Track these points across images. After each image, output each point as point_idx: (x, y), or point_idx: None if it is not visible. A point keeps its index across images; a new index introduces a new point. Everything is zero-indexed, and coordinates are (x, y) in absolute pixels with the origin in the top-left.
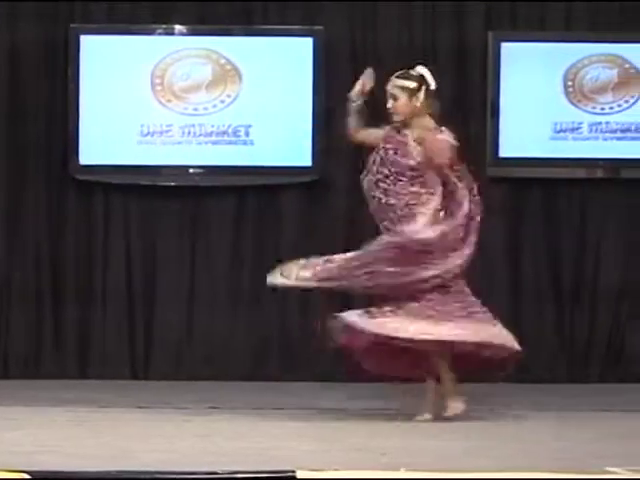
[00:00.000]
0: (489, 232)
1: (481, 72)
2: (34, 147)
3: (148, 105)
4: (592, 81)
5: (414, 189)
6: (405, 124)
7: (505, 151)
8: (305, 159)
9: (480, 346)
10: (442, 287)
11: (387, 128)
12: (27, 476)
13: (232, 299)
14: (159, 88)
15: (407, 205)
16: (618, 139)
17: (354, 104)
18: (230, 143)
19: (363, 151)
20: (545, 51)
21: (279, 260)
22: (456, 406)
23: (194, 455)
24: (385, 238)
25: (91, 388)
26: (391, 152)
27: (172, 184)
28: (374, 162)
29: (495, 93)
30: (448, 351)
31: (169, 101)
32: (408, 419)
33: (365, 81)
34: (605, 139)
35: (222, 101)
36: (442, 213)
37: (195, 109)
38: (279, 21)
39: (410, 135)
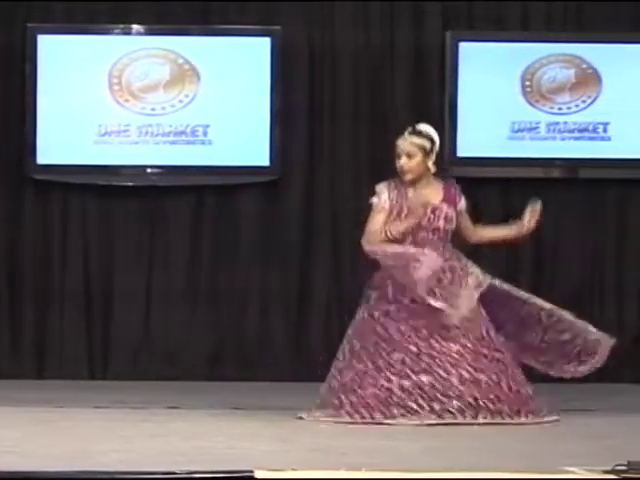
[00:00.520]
0: None
1: (439, 72)
2: None
3: (106, 105)
4: (550, 81)
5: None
6: (412, 182)
7: (463, 151)
8: (263, 159)
9: None
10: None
11: (392, 188)
12: None
13: (190, 299)
14: (117, 88)
15: None
16: (575, 139)
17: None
18: (188, 143)
19: (320, 151)
20: (503, 51)
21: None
22: None
23: (152, 455)
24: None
25: (49, 388)
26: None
27: (130, 184)
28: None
29: (453, 93)
30: None
31: (127, 101)
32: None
33: None
34: (563, 139)
35: (180, 101)
36: None
37: (153, 109)
38: (237, 21)
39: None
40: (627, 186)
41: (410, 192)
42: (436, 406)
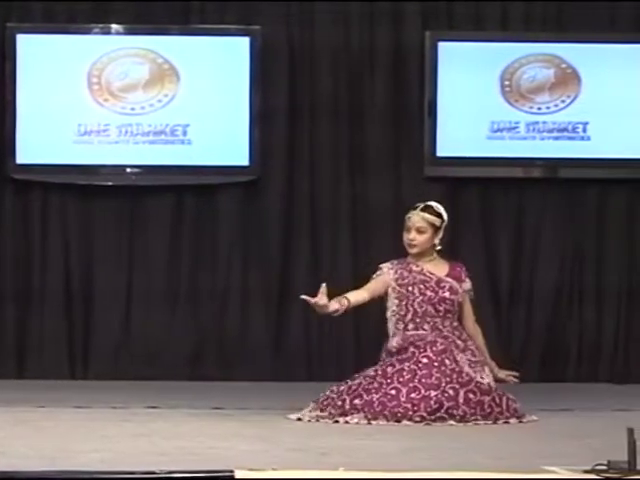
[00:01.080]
0: None
1: (418, 72)
2: None
3: (85, 104)
4: (529, 81)
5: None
6: (416, 256)
7: (442, 150)
8: (242, 159)
9: None
10: None
11: (395, 266)
12: None
13: (170, 298)
14: (96, 87)
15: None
16: (555, 139)
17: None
18: (167, 143)
19: (300, 151)
20: (482, 51)
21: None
22: None
23: (132, 455)
24: None
25: (29, 388)
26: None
27: (109, 184)
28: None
29: (432, 93)
30: None
31: (106, 100)
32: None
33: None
34: (542, 139)
35: (159, 100)
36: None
37: (132, 108)
38: (216, 20)
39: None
40: (607, 186)
41: (414, 266)
42: (438, 422)
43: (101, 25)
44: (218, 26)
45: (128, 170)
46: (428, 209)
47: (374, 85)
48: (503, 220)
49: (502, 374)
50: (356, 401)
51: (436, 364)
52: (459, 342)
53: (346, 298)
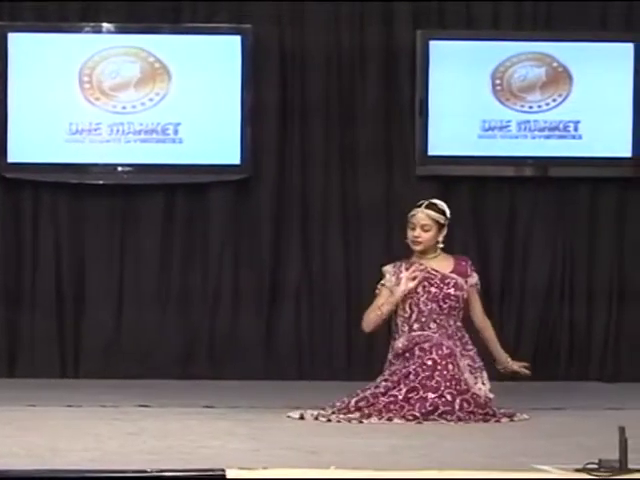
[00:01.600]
0: None
1: (410, 70)
2: None
3: (76, 103)
4: (520, 79)
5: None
6: (420, 254)
7: (434, 149)
8: (234, 157)
9: None
10: None
11: (398, 269)
12: None
13: (161, 297)
14: (87, 86)
15: None
16: (546, 137)
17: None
18: (159, 141)
19: (291, 150)
20: (473, 49)
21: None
22: None
23: (123, 454)
24: None
25: (20, 387)
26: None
27: (100, 182)
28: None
29: (424, 91)
30: None
31: (97, 99)
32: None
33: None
34: (533, 137)
35: (151, 99)
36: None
37: (124, 107)
38: (207, 19)
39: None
40: (598, 184)
41: (417, 264)
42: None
43: (92, 24)
44: (209, 25)
45: (119, 169)
46: (432, 206)
47: (365, 84)
48: (494, 219)
49: (515, 366)
50: (361, 403)
51: (439, 367)
52: (459, 344)
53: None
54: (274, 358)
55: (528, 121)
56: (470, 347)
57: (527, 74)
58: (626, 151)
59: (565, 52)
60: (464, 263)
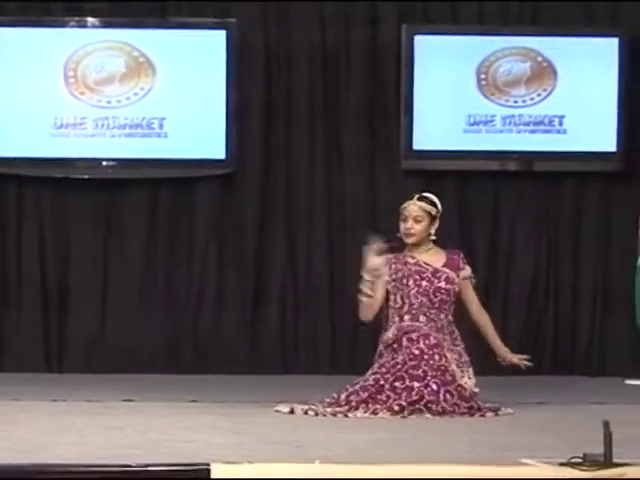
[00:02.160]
0: None
1: (395, 65)
2: None
3: (61, 98)
4: (505, 74)
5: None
6: (413, 246)
7: (419, 144)
8: (219, 152)
9: None
10: None
11: (391, 262)
12: None
13: (146, 292)
14: (72, 80)
15: None
16: (531, 132)
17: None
18: (144, 136)
19: (276, 144)
20: (458, 44)
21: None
22: None
23: (108, 448)
24: None
25: (5, 381)
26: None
27: (85, 177)
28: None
29: (409, 86)
30: None
31: (82, 94)
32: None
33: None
34: (518, 132)
35: (136, 94)
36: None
37: (109, 102)
38: (192, 14)
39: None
40: (582, 179)
41: (409, 258)
42: (414, 414)
43: (77, 18)
44: (194, 19)
45: (104, 163)
46: (424, 199)
47: (350, 79)
48: (479, 213)
49: (515, 358)
50: (352, 397)
51: (426, 357)
52: (449, 339)
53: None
54: (258, 353)
55: (513, 116)
56: (459, 342)
57: (512, 69)
58: (611, 145)
59: (550, 47)
60: (456, 257)
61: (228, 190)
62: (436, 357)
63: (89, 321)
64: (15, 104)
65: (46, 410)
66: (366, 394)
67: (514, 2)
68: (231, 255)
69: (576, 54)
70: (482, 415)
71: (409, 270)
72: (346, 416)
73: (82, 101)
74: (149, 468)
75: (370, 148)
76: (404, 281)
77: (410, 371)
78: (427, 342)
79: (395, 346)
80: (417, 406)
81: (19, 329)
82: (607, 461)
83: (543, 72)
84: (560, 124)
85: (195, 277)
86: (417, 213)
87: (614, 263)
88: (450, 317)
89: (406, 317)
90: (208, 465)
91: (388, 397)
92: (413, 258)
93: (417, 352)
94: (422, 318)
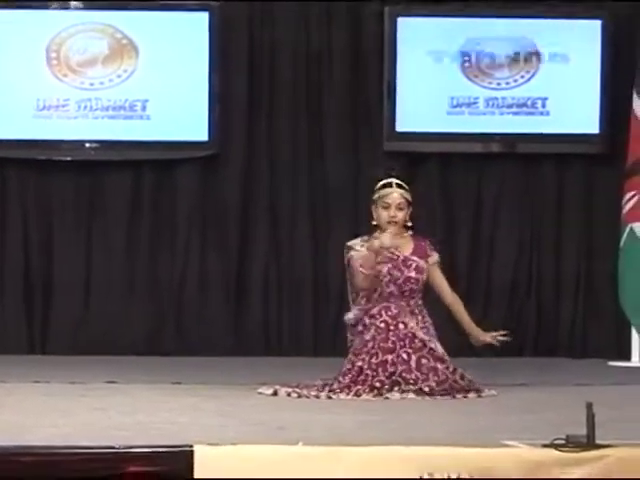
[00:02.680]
0: None
1: (378, 47)
2: None
3: (44, 79)
4: (489, 56)
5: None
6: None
7: (402, 125)
8: (201, 134)
9: None
10: None
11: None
12: None
13: (129, 274)
14: (55, 62)
15: None
16: (514, 114)
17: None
18: (127, 118)
19: (259, 126)
20: (442, 26)
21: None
22: None
23: (91, 430)
24: None
25: None
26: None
27: (68, 159)
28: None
29: (391, 68)
30: None
31: (65, 75)
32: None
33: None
34: (501, 114)
35: (119, 76)
36: None
37: (91, 84)
38: None
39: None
40: (565, 161)
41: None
42: (395, 388)
43: (60, 1)
44: (177, 2)
45: (87, 145)
46: (401, 186)
47: (333, 60)
48: (462, 195)
49: (488, 337)
50: (334, 386)
51: (392, 327)
52: (419, 317)
53: None
54: (241, 335)
55: (496, 98)
56: (427, 319)
57: (494, 51)
58: (593, 127)
59: (536, 29)
60: (423, 244)
61: (211, 172)
62: (400, 326)
63: (72, 303)
64: None
65: (29, 392)
66: (347, 379)
67: None
68: (214, 237)
69: (559, 36)
70: (465, 395)
71: (382, 257)
72: (329, 398)
73: (65, 83)
74: (132, 449)
75: (353, 129)
76: (377, 267)
77: (381, 344)
78: (389, 313)
79: (361, 328)
80: (394, 378)
81: (2, 311)
82: (590, 442)
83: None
84: (543, 106)
85: (178, 259)
86: (400, 201)
87: (597, 245)
88: (419, 301)
89: (376, 303)
90: (191, 447)
91: (367, 376)
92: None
93: (383, 325)
94: (392, 307)
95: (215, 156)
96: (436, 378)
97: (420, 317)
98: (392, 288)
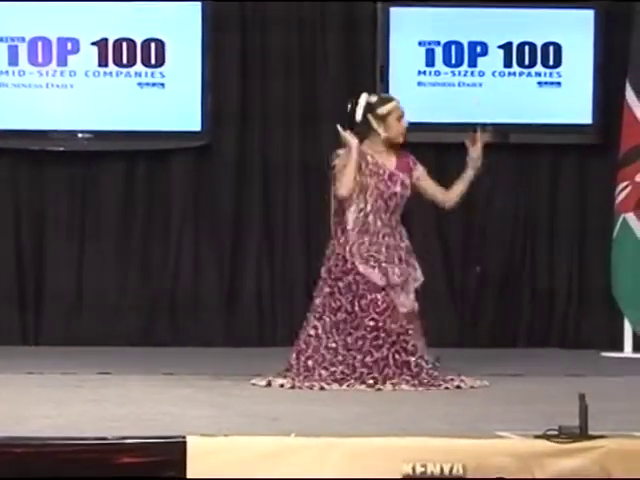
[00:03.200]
0: None
1: (371, 36)
2: None
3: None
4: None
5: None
6: (376, 145)
7: None
8: (194, 124)
9: None
10: None
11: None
12: None
13: (122, 265)
14: None
15: None
16: (507, 104)
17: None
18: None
19: (252, 116)
20: (434, 16)
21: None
22: None
23: (84, 421)
24: None
25: None
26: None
27: (61, 149)
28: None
29: (384, 58)
30: None
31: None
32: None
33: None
34: (494, 104)
35: None
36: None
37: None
38: None
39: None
40: (558, 151)
41: (369, 157)
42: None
43: None
44: None
45: (80, 135)
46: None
47: (327, 50)
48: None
49: (475, 152)
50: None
51: (380, 324)
52: (398, 238)
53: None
54: (235, 325)
55: (489, 88)
56: (405, 239)
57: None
58: (587, 118)
59: (525, 19)
60: (406, 159)
61: (204, 162)
62: (388, 321)
63: (65, 294)
64: None
65: (22, 383)
66: (338, 370)
67: None
68: (207, 228)
69: (551, 26)
70: (447, 387)
71: (370, 170)
72: (322, 389)
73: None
74: (125, 440)
75: (347, 120)
76: (367, 180)
77: (361, 322)
78: (377, 310)
79: (341, 285)
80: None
81: None
82: (583, 433)
83: None
84: (536, 96)
85: (172, 250)
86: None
87: (590, 236)
88: (398, 218)
89: (370, 218)
90: (184, 438)
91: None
92: (373, 158)
93: (372, 323)
94: (379, 223)
95: (208, 146)
96: (409, 373)
97: (398, 235)
98: (380, 202)
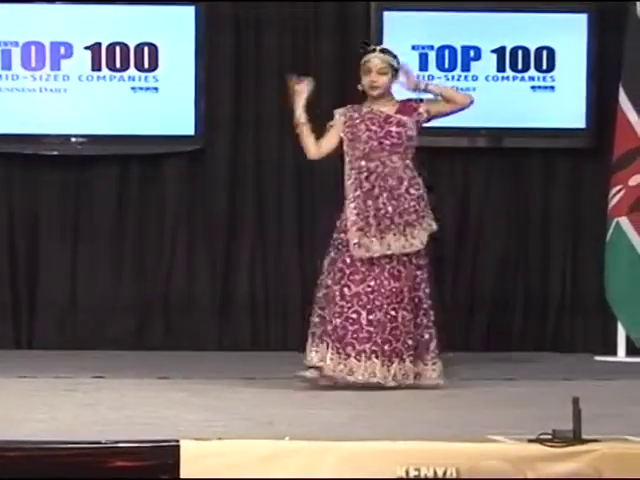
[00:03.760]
0: None
1: (364, 39)
2: None
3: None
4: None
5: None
6: (374, 99)
7: None
8: (188, 128)
9: None
10: None
11: (349, 111)
12: None
13: (116, 269)
14: None
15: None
16: (500, 108)
17: (303, 125)
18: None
19: (246, 120)
20: (427, 20)
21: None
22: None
23: (78, 425)
24: None
25: None
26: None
27: (54, 153)
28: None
29: None
30: None
31: None
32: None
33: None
34: (487, 108)
35: None
36: None
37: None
38: None
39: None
40: (551, 155)
41: (364, 108)
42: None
43: None
44: None
45: (73, 139)
46: (385, 51)
47: (320, 53)
48: (449, 189)
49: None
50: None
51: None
52: (406, 184)
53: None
54: (228, 328)
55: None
56: (414, 191)
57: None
58: (580, 122)
59: (519, 23)
60: (410, 103)
61: (198, 165)
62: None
63: (59, 297)
64: None
65: (15, 387)
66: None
67: None
68: (201, 231)
69: (544, 30)
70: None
71: (362, 117)
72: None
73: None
74: (119, 444)
75: None
76: (358, 126)
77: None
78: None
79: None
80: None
81: None
82: (576, 437)
83: None
84: (530, 100)
85: (165, 253)
86: (381, 65)
87: (583, 240)
88: (408, 161)
89: (360, 163)
90: (178, 441)
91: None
92: (368, 107)
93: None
94: (372, 165)
95: (202, 150)
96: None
97: (407, 181)
98: (372, 143)
